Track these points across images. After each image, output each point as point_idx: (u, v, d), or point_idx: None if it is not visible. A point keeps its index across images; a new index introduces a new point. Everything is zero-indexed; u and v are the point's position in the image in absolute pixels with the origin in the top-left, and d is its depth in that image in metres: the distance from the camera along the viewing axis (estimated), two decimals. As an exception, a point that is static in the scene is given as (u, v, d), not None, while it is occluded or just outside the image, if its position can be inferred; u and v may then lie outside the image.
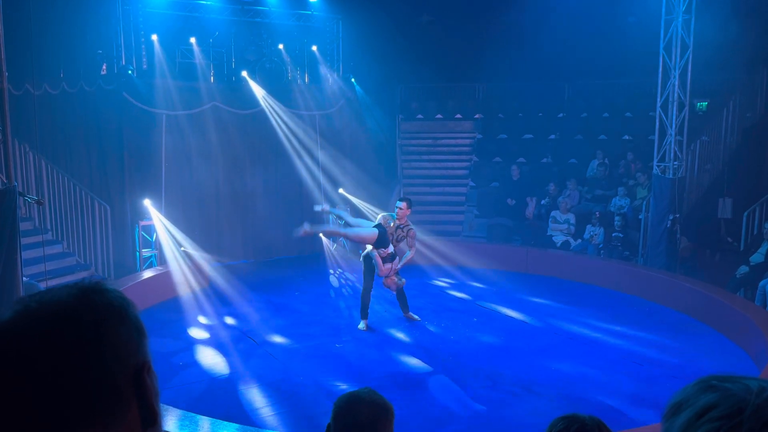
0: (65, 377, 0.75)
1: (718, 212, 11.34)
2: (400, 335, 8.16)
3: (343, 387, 6.32)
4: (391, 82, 14.29)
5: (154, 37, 11.25)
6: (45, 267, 7.67)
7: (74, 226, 10.17)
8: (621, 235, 11.04)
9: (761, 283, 8.65)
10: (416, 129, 14.62)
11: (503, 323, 8.68)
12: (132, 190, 10.81)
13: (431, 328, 8.46)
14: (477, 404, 6.17)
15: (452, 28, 14.46)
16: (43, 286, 7.21)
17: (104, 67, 10.98)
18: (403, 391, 6.40)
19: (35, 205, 9.33)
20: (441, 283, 10.81)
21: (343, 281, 11.05)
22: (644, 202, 10.92)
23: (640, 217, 11.10)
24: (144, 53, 11.49)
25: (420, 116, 14.70)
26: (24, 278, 5.96)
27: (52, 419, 0.74)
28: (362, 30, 13.04)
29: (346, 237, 8.78)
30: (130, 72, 10.73)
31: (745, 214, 10.23)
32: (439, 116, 14.72)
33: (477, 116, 14.67)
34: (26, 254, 7.23)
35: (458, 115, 14.73)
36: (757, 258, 9.23)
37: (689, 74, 9.94)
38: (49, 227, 10.01)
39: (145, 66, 11.44)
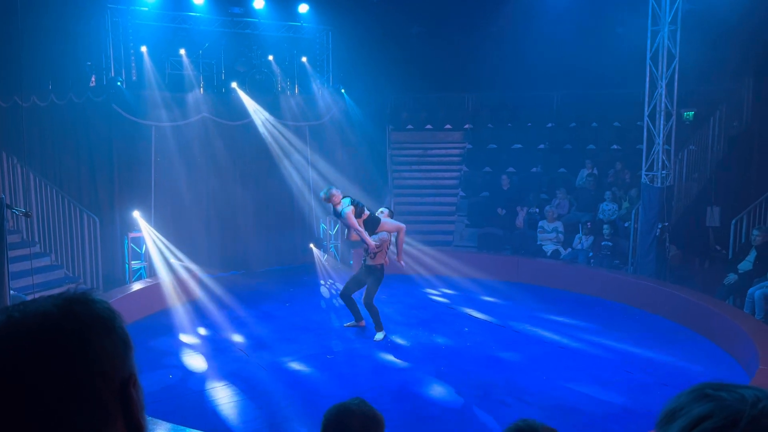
0: (48, 390, 0.73)
1: (706, 220, 11.42)
2: (392, 345, 8.13)
3: (335, 398, 6.28)
4: (381, 92, 14.33)
5: (144, 48, 11.23)
6: (33, 280, 7.60)
7: (63, 239, 10.09)
8: (610, 243, 11.09)
9: (750, 290, 8.70)
10: (406, 139, 14.65)
11: (494, 333, 8.67)
12: (121, 201, 10.74)
13: (422, 339, 8.43)
14: (469, 414, 6.15)
15: (442, 39, 14.54)
16: (30, 299, 7.13)
17: (93, 78, 10.94)
18: (394, 401, 6.37)
19: (23, 217, 9.24)
20: (432, 292, 10.80)
21: (333, 292, 11.02)
22: (633, 211, 10.98)
23: (625, 225, 11.17)
24: (133, 65, 11.46)
25: (410, 126, 14.74)
26: (11, 291, 5.90)
27: None
28: (352, 41, 13.09)
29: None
30: (119, 83, 10.70)
31: (733, 222, 10.30)
32: (429, 126, 14.76)
33: (466, 126, 14.74)
34: (14, 267, 7.16)
35: (448, 126, 14.78)
36: (745, 266, 9.29)
37: (676, 84, 10.03)
38: (37, 240, 9.93)
39: (134, 78, 11.41)
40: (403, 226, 8.60)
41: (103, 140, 10.66)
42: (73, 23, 10.43)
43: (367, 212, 8.19)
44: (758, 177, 11.26)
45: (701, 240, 11.35)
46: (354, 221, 8.02)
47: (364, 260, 8.40)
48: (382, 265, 8.32)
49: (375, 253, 8.23)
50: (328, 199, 8.13)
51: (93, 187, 10.72)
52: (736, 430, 0.64)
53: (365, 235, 8.09)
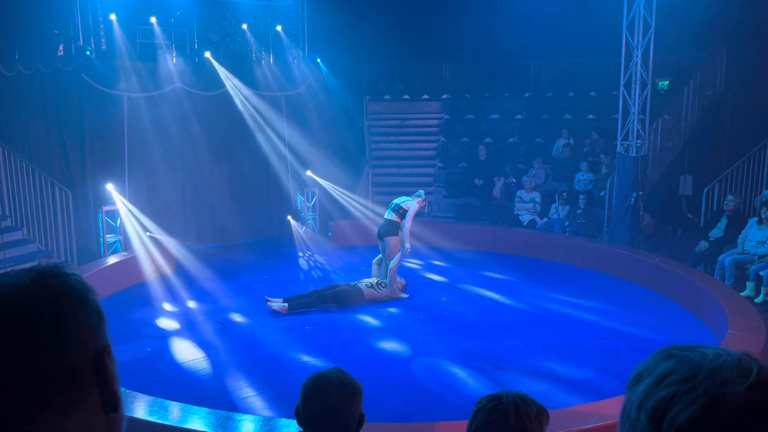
0: (22, 362, 0.73)
1: (679, 189, 11.61)
2: (371, 316, 8.20)
3: (314, 368, 6.32)
4: (358, 62, 14.18)
5: (113, 16, 10.92)
6: (4, 254, 7.50)
7: (34, 213, 9.90)
8: (586, 212, 11.23)
9: (720, 257, 8.91)
10: (384, 110, 14.57)
11: (472, 301, 8.78)
12: (94, 174, 10.56)
13: (401, 308, 8.51)
14: (447, 381, 6.25)
15: (419, 7, 14.37)
16: (2, 272, 7.03)
17: (61, 47, 10.63)
18: (373, 370, 6.44)
19: (-8, 191, 9.05)
20: (409, 263, 10.84)
21: (312, 264, 11.03)
22: (609, 180, 11.11)
23: (601, 193, 11.31)
24: (102, 33, 11.14)
25: (387, 97, 14.65)
26: (-17, 266, 5.81)
27: (9, 405, 0.72)
28: (328, 9, 12.87)
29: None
30: (88, 53, 10.42)
31: (705, 190, 10.49)
32: (406, 97, 14.69)
33: (444, 96, 14.69)
34: (-16, 242, 7.03)
35: (425, 96, 14.72)
36: (716, 233, 9.49)
37: (651, 53, 10.07)
38: (7, 214, 9.73)
39: (104, 47, 11.10)
40: (407, 246, 8.86)
41: (73, 111, 10.43)
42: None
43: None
44: (730, 146, 11.44)
45: (674, 208, 11.55)
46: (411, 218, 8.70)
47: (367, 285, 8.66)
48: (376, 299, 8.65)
49: (384, 289, 8.66)
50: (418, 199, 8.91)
51: (64, 159, 10.52)
52: (696, 380, 0.68)
53: (406, 238, 8.70)
